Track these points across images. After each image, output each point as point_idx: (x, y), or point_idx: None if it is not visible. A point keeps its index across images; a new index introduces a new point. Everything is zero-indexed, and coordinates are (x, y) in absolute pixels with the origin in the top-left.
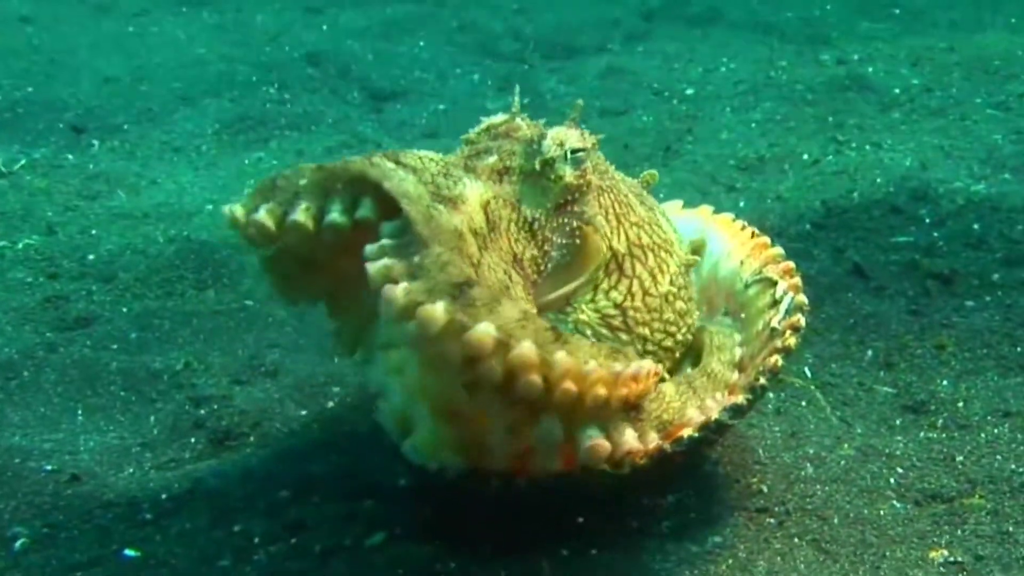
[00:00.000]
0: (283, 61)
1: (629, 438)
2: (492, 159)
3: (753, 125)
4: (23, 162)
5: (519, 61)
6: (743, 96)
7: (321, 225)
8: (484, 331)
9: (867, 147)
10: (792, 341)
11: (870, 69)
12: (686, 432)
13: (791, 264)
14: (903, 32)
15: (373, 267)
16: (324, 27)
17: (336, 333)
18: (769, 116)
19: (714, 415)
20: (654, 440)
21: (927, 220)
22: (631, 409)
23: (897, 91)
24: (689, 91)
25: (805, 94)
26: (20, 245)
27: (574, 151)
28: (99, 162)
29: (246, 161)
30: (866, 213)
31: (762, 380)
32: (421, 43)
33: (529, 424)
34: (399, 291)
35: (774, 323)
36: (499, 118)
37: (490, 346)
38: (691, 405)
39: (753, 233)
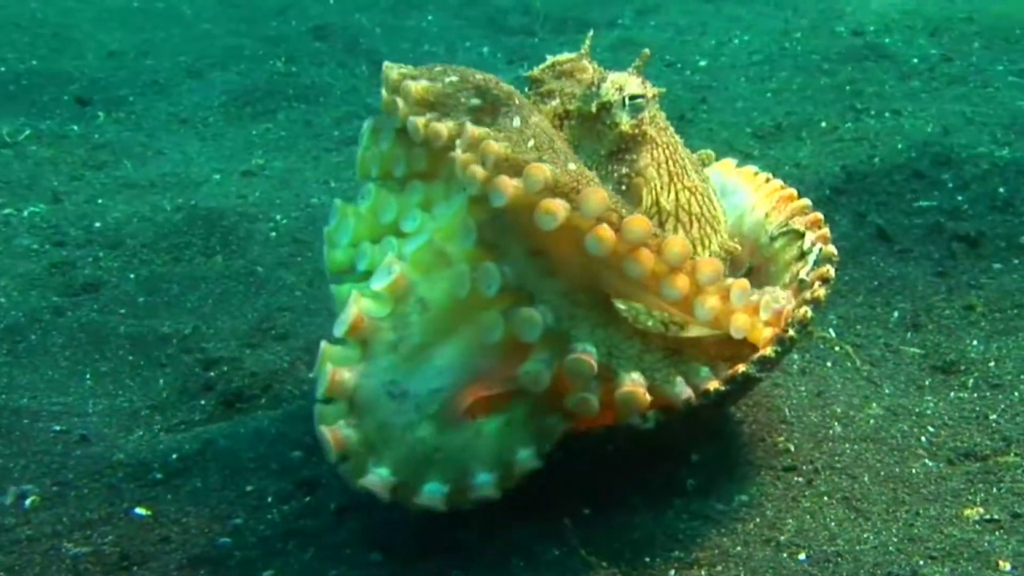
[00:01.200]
0: (290, 35)
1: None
2: (554, 103)
3: (768, 94)
4: (28, 132)
5: (528, 35)
6: (758, 66)
7: None
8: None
9: (886, 114)
10: (821, 292)
11: (887, 40)
12: (712, 385)
13: (819, 215)
14: (919, 6)
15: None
16: (331, 1)
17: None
18: (785, 85)
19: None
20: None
21: (950, 184)
22: None
23: (916, 60)
24: (702, 62)
25: (821, 64)
26: (26, 213)
27: (633, 97)
28: (105, 133)
29: (253, 132)
30: (887, 178)
31: (791, 332)
32: (429, 17)
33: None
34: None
35: (802, 274)
36: (565, 56)
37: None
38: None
39: (779, 186)
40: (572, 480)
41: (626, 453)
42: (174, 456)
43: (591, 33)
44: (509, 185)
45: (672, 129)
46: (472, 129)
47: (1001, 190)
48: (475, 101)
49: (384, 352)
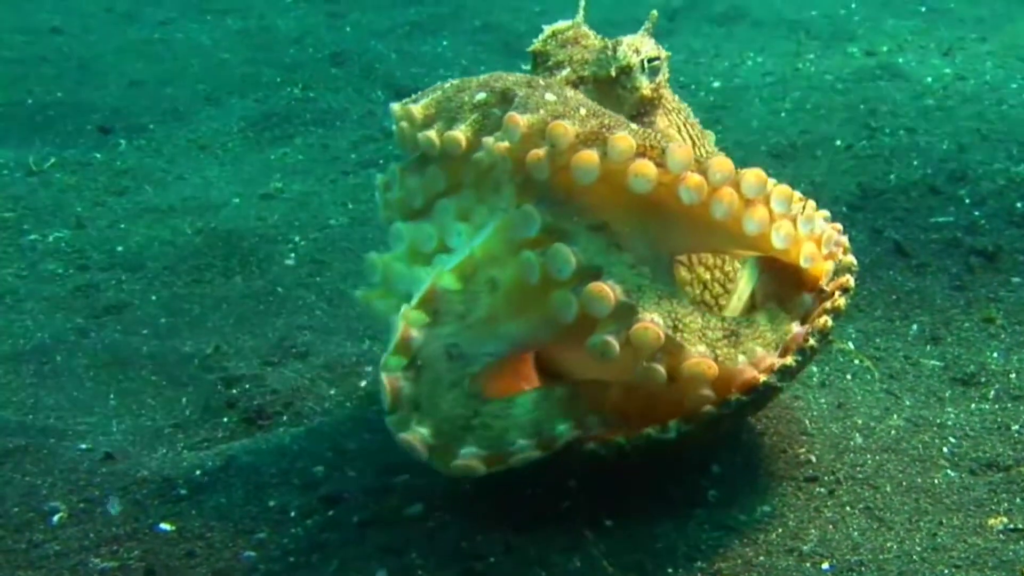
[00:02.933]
0: (307, 62)
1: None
2: (566, 71)
3: (783, 114)
4: (53, 160)
5: None
6: (772, 87)
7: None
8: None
9: (901, 132)
10: (841, 302)
11: (900, 60)
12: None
13: (838, 226)
14: (931, 27)
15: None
16: (347, 29)
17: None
18: (799, 105)
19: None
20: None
21: (967, 200)
22: None
23: (930, 80)
24: (716, 84)
25: (835, 84)
26: (51, 238)
27: (650, 60)
28: (126, 160)
29: (272, 156)
30: (904, 194)
31: (811, 341)
32: (444, 42)
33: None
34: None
35: (822, 284)
36: (563, 24)
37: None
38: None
39: (798, 197)
40: (593, 491)
41: (647, 465)
42: (198, 472)
43: (583, 3)
44: (593, 159)
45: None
46: (523, 118)
47: (1019, 205)
48: (480, 96)
49: (452, 320)
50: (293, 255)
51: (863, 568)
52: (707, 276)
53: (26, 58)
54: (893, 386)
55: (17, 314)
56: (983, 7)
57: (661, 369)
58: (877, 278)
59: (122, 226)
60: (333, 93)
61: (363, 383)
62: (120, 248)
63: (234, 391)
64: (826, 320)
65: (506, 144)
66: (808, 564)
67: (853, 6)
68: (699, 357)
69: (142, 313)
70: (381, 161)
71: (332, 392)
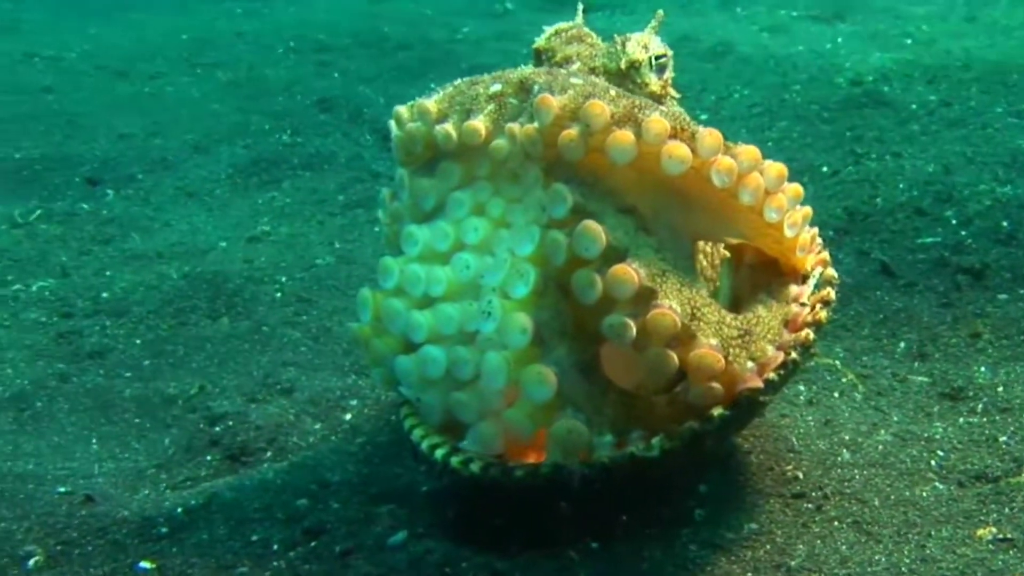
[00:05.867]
0: (295, 109)
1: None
2: (576, 65)
3: (770, 143)
4: (39, 213)
5: None
6: (758, 117)
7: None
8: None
9: (887, 157)
10: (823, 315)
11: (885, 88)
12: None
13: (818, 240)
14: (917, 58)
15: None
16: (335, 75)
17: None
18: (785, 134)
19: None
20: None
21: (953, 221)
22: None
23: (914, 106)
24: (703, 116)
25: (821, 113)
26: (34, 288)
27: (657, 57)
28: (113, 209)
29: (259, 201)
30: (890, 216)
31: (793, 354)
32: (432, 84)
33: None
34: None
35: (803, 298)
36: (565, 24)
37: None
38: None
39: None
40: (577, 514)
41: (633, 485)
42: (179, 510)
43: (581, 6)
44: (629, 138)
45: None
46: (557, 99)
47: (1004, 224)
48: (496, 87)
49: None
50: (279, 294)
51: None
52: (706, 263)
53: (16, 116)
54: (880, 402)
55: None
56: (969, 38)
57: (673, 356)
58: (864, 298)
59: (107, 273)
60: (321, 138)
61: (348, 416)
62: (105, 295)
63: (217, 428)
64: (808, 333)
65: (535, 126)
66: None
67: (840, 40)
68: (709, 349)
69: (125, 356)
70: (368, 202)
71: (317, 427)
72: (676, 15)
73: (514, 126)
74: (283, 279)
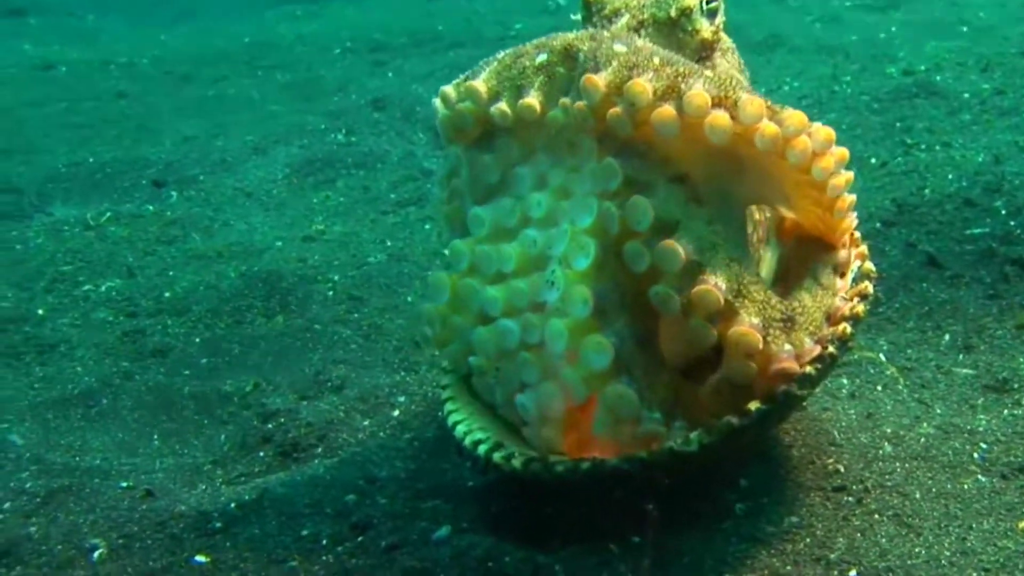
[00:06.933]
0: (350, 108)
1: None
2: (625, 19)
3: None
4: (108, 215)
5: None
6: (808, 109)
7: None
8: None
9: (937, 147)
10: (860, 308)
11: (937, 77)
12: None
13: (856, 233)
14: (972, 45)
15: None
16: (389, 75)
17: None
18: (834, 125)
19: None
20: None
21: (1003, 211)
22: None
23: (967, 95)
24: None
25: (871, 104)
26: (103, 288)
27: (708, 1)
28: (176, 210)
29: (314, 200)
30: (938, 208)
31: (831, 348)
32: None
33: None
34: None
35: (841, 291)
36: None
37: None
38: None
39: None
40: (619, 508)
41: (673, 480)
42: (233, 505)
43: None
44: (672, 115)
45: None
46: (601, 78)
47: None
48: (542, 57)
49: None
50: (331, 293)
51: (891, 574)
52: (752, 232)
53: (93, 122)
54: (924, 395)
55: (69, 361)
56: None
57: (712, 330)
58: (909, 291)
59: (170, 273)
60: (375, 137)
61: (396, 412)
62: (167, 294)
63: (270, 425)
64: (845, 327)
65: (584, 103)
66: (835, 572)
67: (894, 29)
68: (749, 328)
69: (185, 355)
70: (420, 200)
71: (366, 423)
72: (727, 7)
73: (566, 100)
74: (336, 277)
